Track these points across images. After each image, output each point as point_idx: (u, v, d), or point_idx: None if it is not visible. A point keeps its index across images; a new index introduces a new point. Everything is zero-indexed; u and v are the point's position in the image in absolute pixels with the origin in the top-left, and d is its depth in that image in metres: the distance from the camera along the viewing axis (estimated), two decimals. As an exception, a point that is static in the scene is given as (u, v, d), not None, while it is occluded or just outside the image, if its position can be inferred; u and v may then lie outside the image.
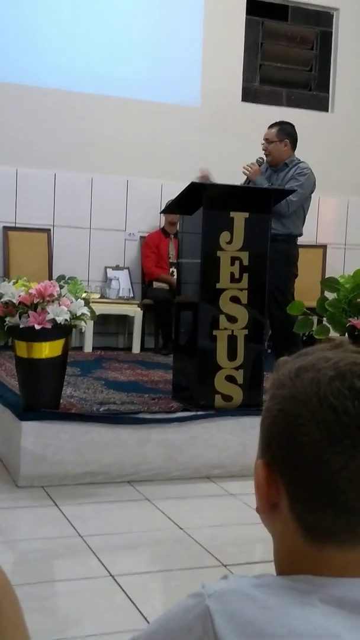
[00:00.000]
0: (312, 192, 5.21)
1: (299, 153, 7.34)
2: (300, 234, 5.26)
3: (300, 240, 7.26)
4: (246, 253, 4.08)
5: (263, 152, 5.16)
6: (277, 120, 5.28)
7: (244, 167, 5.11)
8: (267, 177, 5.14)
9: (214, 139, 6.95)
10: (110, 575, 2.78)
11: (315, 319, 4.45)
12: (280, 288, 5.06)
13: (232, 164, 6.77)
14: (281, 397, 0.78)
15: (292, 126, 5.20)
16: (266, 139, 5.13)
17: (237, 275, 4.07)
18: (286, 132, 5.12)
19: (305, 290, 6.57)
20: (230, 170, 6.53)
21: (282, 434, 0.76)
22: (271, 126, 5.18)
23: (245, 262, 4.07)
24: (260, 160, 5.15)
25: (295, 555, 0.77)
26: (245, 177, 5.11)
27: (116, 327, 6.84)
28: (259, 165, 5.11)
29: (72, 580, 2.84)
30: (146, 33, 6.79)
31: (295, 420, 0.75)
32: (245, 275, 4.08)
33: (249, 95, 7.31)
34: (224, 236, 4.04)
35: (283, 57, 7.50)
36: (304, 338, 6.05)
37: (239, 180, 5.23)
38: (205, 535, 3.22)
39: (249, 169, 5.09)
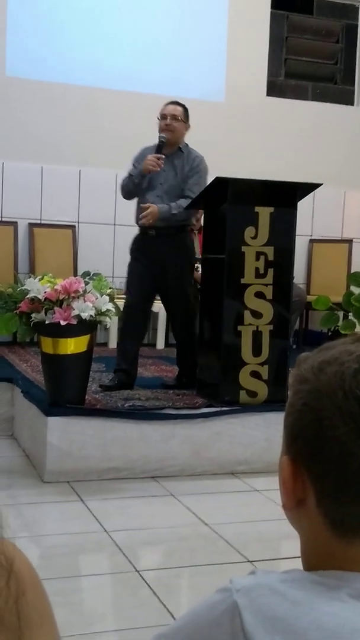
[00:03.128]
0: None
1: (325, 146, 7.31)
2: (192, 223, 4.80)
3: (326, 235, 7.26)
4: (271, 248, 4.06)
5: (166, 128, 4.42)
6: (174, 100, 4.59)
7: (151, 163, 4.31)
8: (170, 166, 4.43)
9: (239, 134, 6.92)
10: (136, 570, 2.78)
11: (341, 313, 4.42)
12: (187, 283, 4.56)
13: (257, 158, 6.76)
14: (305, 392, 0.77)
15: None
16: (173, 115, 4.44)
17: (262, 271, 4.05)
18: (188, 116, 4.54)
19: (331, 285, 6.54)
20: (255, 164, 6.51)
21: (307, 428, 0.76)
22: (174, 103, 4.53)
23: (271, 257, 4.05)
24: (163, 139, 4.40)
25: (322, 551, 0.76)
26: (160, 144, 4.39)
27: (141, 323, 6.84)
28: (162, 144, 4.39)
29: (98, 575, 2.86)
30: (170, 28, 6.77)
31: (320, 414, 0.74)
32: (271, 271, 4.06)
33: (274, 89, 7.27)
34: (249, 231, 4.03)
35: (308, 51, 7.44)
36: (330, 333, 6.02)
37: (263, 175, 5.19)
38: (230, 531, 3.21)
39: (156, 164, 4.32)
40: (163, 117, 4.47)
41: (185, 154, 4.49)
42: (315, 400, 0.75)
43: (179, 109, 4.51)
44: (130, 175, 4.46)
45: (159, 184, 4.43)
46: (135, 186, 4.43)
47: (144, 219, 4.29)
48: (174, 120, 4.45)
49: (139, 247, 4.49)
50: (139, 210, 4.43)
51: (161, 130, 4.44)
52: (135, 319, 4.42)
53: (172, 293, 4.49)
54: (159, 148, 4.38)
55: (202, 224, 4.72)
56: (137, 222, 4.50)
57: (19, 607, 0.66)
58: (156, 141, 4.46)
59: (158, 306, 6.44)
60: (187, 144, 4.56)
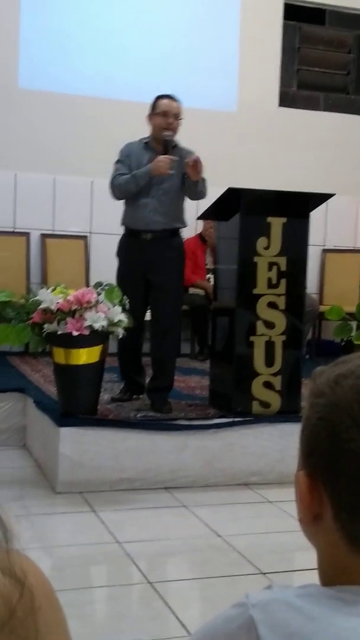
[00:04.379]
0: None
1: (337, 156, 7.31)
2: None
3: (339, 245, 7.24)
4: (284, 258, 4.05)
5: (168, 128, 4.19)
6: (171, 95, 4.32)
7: (164, 165, 4.08)
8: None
9: (251, 144, 6.93)
10: (149, 582, 2.77)
11: (354, 324, 4.40)
12: (180, 287, 4.40)
13: (269, 168, 6.76)
14: (321, 406, 0.76)
15: None
16: (176, 114, 4.21)
17: (274, 281, 4.04)
18: None
19: (344, 295, 6.52)
20: (267, 175, 6.51)
21: (324, 442, 0.75)
22: (173, 99, 4.27)
23: (283, 268, 4.05)
24: (169, 138, 4.18)
25: (340, 565, 0.75)
26: (166, 144, 4.17)
27: (153, 334, 6.84)
28: (168, 144, 4.18)
29: (110, 587, 2.84)
30: (182, 39, 6.80)
31: (337, 427, 0.74)
32: (283, 281, 4.05)
33: (287, 100, 7.28)
34: (261, 242, 4.02)
35: (320, 62, 7.45)
36: (343, 343, 6.00)
37: (275, 185, 5.19)
38: (243, 543, 3.19)
39: (169, 166, 4.10)
40: (165, 114, 4.20)
41: (177, 151, 4.23)
42: (332, 414, 0.74)
43: (179, 105, 4.26)
44: (134, 175, 4.16)
45: (153, 185, 4.17)
46: (137, 188, 4.16)
47: (198, 168, 4.01)
48: (176, 119, 4.21)
49: (130, 250, 4.27)
50: (131, 212, 4.26)
51: (161, 129, 4.18)
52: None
53: (163, 292, 4.23)
54: (166, 149, 4.15)
55: (215, 235, 4.73)
56: (122, 224, 4.34)
57: (35, 622, 0.66)
58: (141, 136, 4.31)
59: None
60: (176, 141, 4.30)
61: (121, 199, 4.32)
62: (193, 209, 6.05)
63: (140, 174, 4.16)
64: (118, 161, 4.32)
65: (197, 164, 4.04)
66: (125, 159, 4.29)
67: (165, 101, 4.27)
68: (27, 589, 0.66)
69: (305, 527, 0.79)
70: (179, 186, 4.22)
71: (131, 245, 4.28)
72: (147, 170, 4.14)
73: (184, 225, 4.38)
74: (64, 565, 3.00)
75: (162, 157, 4.11)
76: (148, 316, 4.44)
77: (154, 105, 4.29)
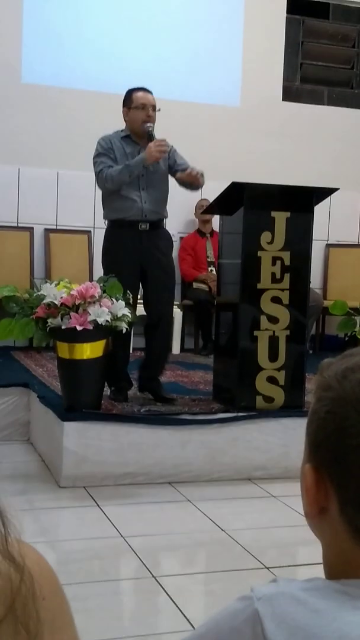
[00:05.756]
0: None
1: (341, 151, 7.29)
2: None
3: (342, 240, 7.23)
4: (288, 253, 4.04)
5: (148, 121, 4.28)
6: (146, 88, 4.40)
7: (160, 149, 4.15)
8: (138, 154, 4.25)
9: (254, 138, 6.92)
10: (153, 576, 2.77)
11: (358, 318, 4.40)
12: (173, 279, 4.47)
13: (273, 163, 6.75)
14: (328, 399, 0.76)
15: None
16: (153, 106, 4.31)
17: (278, 276, 4.04)
18: None
19: (348, 289, 6.52)
20: (271, 169, 6.49)
21: (331, 436, 0.75)
22: (148, 91, 4.37)
23: (287, 262, 4.04)
24: (151, 128, 4.26)
25: (345, 559, 0.75)
26: (150, 134, 4.23)
27: (156, 328, 6.83)
28: (151, 134, 4.25)
29: (114, 581, 2.85)
30: (186, 34, 6.78)
31: (344, 422, 0.74)
32: (287, 276, 4.04)
33: (290, 94, 7.26)
34: (265, 236, 4.02)
35: (324, 56, 7.42)
36: (346, 338, 5.99)
37: (279, 180, 5.17)
38: (247, 537, 3.19)
39: (164, 150, 4.19)
40: (143, 106, 4.27)
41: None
42: (339, 408, 0.74)
43: (154, 98, 4.34)
44: (127, 166, 4.16)
45: (141, 178, 4.22)
46: (130, 179, 4.18)
47: (200, 178, 4.19)
48: (154, 111, 4.30)
49: (126, 242, 4.21)
50: (122, 205, 4.22)
51: (142, 122, 4.25)
52: None
53: (162, 286, 4.27)
54: (150, 138, 4.20)
55: (218, 229, 4.72)
56: (110, 217, 4.33)
57: (36, 607, 0.65)
58: (116, 129, 4.40)
59: (174, 311, 6.43)
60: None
61: (113, 190, 4.28)
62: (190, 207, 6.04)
63: (134, 164, 4.19)
64: (100, 154, 4.35)
65: (197, 177, 4.20)
66: (108, 151, 4.32)
67: (141, 94, 4.34)
68: (27, 573, 0.65)
69: (311, 521, 0.79)
70: (165, 178, 4.32)
71: (126, 237, 4.23)
72: (141, 160, 4.17)
73: (167, 216, 4.43)
74: (68, 560, 3.01)
75: (155, 141, 4.16)
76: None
77: (130, 99, 4.36)
